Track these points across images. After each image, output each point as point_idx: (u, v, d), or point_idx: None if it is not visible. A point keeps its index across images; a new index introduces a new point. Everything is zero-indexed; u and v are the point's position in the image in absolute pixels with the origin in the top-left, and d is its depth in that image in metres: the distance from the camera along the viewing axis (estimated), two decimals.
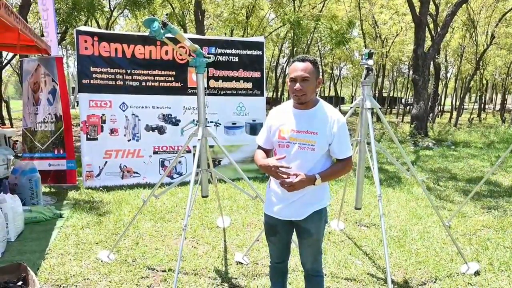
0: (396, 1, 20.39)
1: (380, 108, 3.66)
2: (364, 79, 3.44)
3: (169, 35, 2.99)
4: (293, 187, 2.16)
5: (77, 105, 7.47)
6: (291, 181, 2.16)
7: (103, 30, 11.43)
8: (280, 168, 2.16)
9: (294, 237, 2.51)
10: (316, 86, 2.25)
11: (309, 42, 18.82)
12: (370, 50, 3.39)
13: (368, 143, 3.55)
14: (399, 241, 4.20)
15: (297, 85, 2.19)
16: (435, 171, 8.17)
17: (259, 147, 2.47)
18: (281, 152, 2.31)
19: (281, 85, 24.51)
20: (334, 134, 2.22)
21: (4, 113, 15.23)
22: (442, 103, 33.21)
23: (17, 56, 15.27)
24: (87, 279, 3.29)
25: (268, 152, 2.44)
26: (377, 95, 26.93)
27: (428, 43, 15.95)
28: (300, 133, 2.25)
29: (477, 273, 3.45)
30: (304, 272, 2.52)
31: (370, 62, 3.36)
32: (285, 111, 2.35)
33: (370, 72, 3.38)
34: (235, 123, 7.30)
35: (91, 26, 17.00)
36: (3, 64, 15.51)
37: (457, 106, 24.19)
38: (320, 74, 2.29)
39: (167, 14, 3.03)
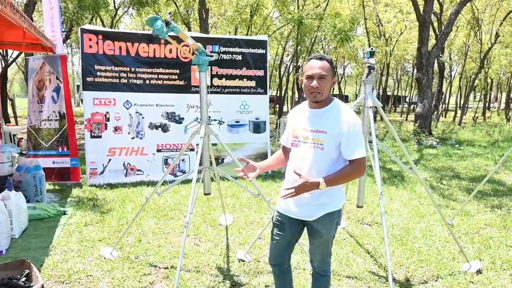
0: None
1: (383, 107, 3.67)
2: (366, 77, 3.44)
3: (172, 33, 3.00)
4: (296, 193, 2.16)
5: (82, 103, 7.51)
6: (291, 191, 2.17)
7: (107, 29, 11.49)
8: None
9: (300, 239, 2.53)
10: (331, 86, 2.25)
11: (313, 41, 18.78)
12: (372, 49, 3.39)
13: (370, 142, 3.56)
14: (401, 240, 4.20)
15: (314, 82, 2.17)
16: (439, 169, 8.15)
17: (282, 147, 2.56)
18: (294, 151, 2.35)
19: (285, 84, 24.49)
20: (343, 134, 2.16)
21: (10, 111, 15.34)
22: (446, 101, 33.06)
23: (23, 54, 15.36)
24: (90, 275, 3.32)
25: (289, 151, 2.45)
26: (381, 93, 26.85)
27: (432, 41, 15.90)
28: (312, 132, 2.25)
29: (479, 271, 3.45)
30: (312, 270, 2.53)
31: (372, 60, 3.36)
32: (302, 111, 2.37)
33: (372, 70, 3.38)
34: (238, 121, 7.32)
35: (96, 25, 17.09)
36: (9, 62, 15.60)
37: (461, 105, 24.07)
38: (335, 74, 2.29)
39: (169, 13, 3.05)
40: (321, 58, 2.20)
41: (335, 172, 2.19)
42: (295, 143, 2.34)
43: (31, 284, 2.76)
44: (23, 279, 2.76)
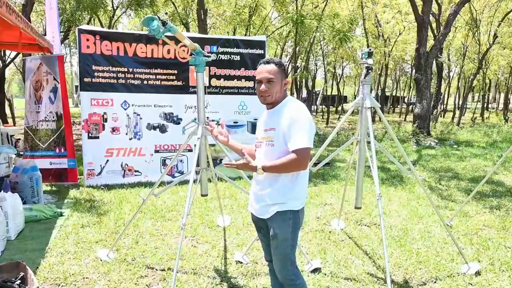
0: (399, 0, 20.31)
1: (381, 107, 3.64)
2: (364, 78, 3.42)
3: (168, 33, 2.98)
4: (237, 167, 2.31)
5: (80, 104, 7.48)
6: (233, 163, 2.32)
7: (105, 29, 11.45)
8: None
9: None
10: (282, 87, 2.33)
11: (311, 41, 18.76)
12: (370, 49, 3.38)
13: (368, 142, 3.54)
14: (400, 241, 4.18)
15: (262, 86, 2.29)
16: (438, 170, 8.14)
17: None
18: (256, 152, 2.45)
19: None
20: (286, 125, 2.20)
21: (8, 111, 15.28)
22: (445, 102, 33.08)
23: (20, 55, 15.31)
24: (86, 278, 3.30)
25: None
26: (379, 94, 26.85)
27: (430, 42, 15.90)
28: (265, 131, 2.34)
29: (477, 273, 3.43)
30: None
31: (370, 61, 3.34)
32: (263, 114, 2.46)
33: (370, 71, 3.36)
34: (236, 122, 7.30)
35: (94, 25, 17.05)
36: (7, 62, 15.54)
37: (460, 105, 24.08)
38: (287, 75, 2.38)
39: (166, 13, 3.02)
40: (268, 62, 2.32)
41: (275, 160, 2.24)
42: (257, 144, 2.44)
43: (26, 287, 2.73)
44: (18, 281, 2.73)
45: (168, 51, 6.76)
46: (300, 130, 2.18)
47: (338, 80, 34.92)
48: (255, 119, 7.36)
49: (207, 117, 3.53)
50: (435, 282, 3.33)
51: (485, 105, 30.62)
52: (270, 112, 2.36)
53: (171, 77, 6.83)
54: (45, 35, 6.73)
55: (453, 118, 24.15)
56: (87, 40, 6.34)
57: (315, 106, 32.09)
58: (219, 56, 7.01)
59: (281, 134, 2.23)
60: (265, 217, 2.33)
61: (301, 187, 2.32)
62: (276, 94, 2.29)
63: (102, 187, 6.33)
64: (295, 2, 16.27)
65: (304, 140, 2.17)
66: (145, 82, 6.70)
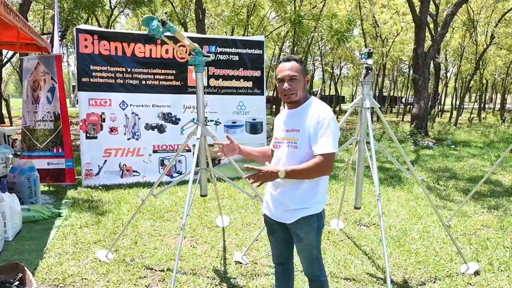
0: (397, 0, 20.36)
1: (380, 108, 3.65)
2: (364, 78, 3.42)
3: (168, 33, 2.97)
4: (257, 180, 2.16)
5: (77, 103, 7.45)
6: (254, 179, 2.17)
7: (103, 29, 11.42)
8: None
9: None
10: (305, 85, 2.26)
11: (309, 41, 18.78)
12: (370, 50, 3.37)
13: (368, 143, 3.54)
14: (399, 241, 4.18)
15: (285, 84, 2.21)
16: (436, 170, 8.15)
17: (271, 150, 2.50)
18: (275, 153, 2.36)
19: None
20: (312, 128, 2.15)
21: (4, 111, 15.23)
22: (442, 102, 33.17)
23: (17, 54, 15.25)
24: (85, 279, 3.28)
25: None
26: (377, 94, 26.89)
27: (428, 42, 15.94)
28: (288, 132, 2.27)
29: (476, 273, 3.43)
30: None
31: (370, 61, 3.34)
32: (283, 113, 2.39)
33: (369, 71, 3.36)
34: (235, 122, 7.29)
35: (92, 25, 17.00)
36: (3, 62, 15.49)
37: (457, 106, 24.15)
38: (308, 72, 2.29)
39: (166, 13, 3.01)
40: (288, 60, 2.25)
41: (299, 165, 2.16)
42: (276, 145, 2.37)
43: None
44: (16, 283, 2.72)
45: (167, 51, 6.75)
46: (327, 133, 2.12)
47: (336, 80, 34.97)
48: (253, 119, 7.36)
49: (206, 117, 3.51)
50: (434, 282, 3.33)
51: (482, 106, 30.71)
52: (293, 112, 2.28)
53: (170, 77, 6.82)
54: (44, 34, 6.70)
55: (450, 118, 24.23)
56: (85, 39, 6.32)
57: None
58: (218, 56, 7.00)
59: (307, 136, 2.16)
60: (288, 222, 2.27)
61: (323, 190, 2.29)
62: (300, 92, 2.22)
63: (100, 187, 6.31)
64: (293, 2, 16.27)
65: (330, 144, 2.12)
66: (144, 82, 6.68)
